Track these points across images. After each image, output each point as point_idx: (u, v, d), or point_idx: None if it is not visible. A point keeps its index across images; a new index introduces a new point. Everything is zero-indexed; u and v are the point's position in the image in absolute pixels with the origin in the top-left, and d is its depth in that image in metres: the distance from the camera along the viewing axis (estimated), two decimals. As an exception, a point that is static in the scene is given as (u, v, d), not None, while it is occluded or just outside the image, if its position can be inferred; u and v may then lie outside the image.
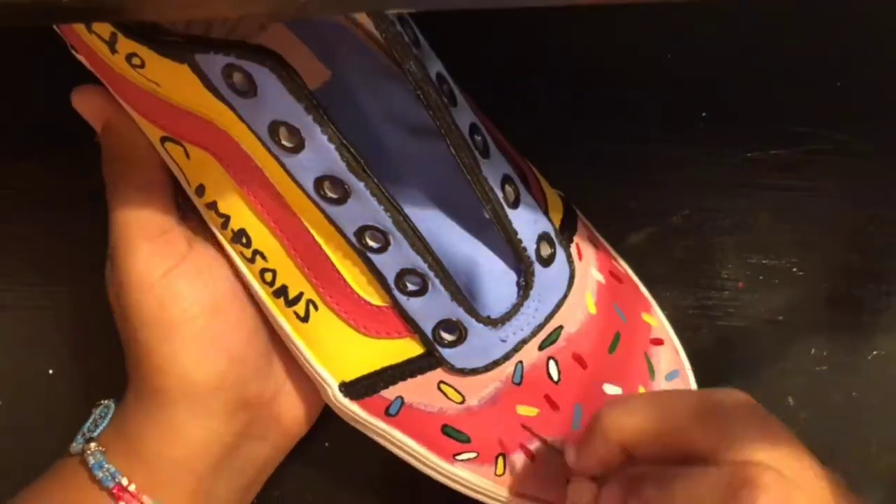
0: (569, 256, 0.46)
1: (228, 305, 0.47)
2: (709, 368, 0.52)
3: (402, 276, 0.43)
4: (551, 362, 0.46)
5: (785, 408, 0.54)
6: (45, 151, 0.55)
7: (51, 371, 0.56)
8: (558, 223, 0.46)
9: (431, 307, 0.44)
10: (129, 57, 0.42)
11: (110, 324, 0.48)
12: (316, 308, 0.45)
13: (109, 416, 0.49)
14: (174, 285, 0.46)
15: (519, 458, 0.47)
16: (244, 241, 0.45)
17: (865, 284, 0.54)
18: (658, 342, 0.49)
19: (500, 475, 0.47)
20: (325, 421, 0.52)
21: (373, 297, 0.44)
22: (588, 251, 0.48)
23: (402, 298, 0.44)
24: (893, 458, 0.54)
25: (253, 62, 0.39)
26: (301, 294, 0.45)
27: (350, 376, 0.46)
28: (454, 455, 0.47)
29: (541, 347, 0.45)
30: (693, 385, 0.49)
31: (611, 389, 0.47)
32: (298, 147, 0.41)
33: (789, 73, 0.54)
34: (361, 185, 0.41)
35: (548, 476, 0.47)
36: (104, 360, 0.53)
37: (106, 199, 0.47)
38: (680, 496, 0.39)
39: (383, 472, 0.54)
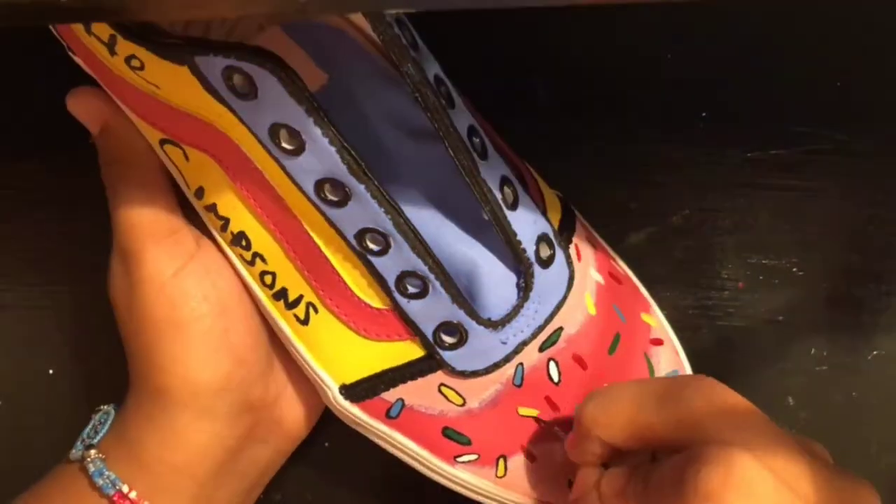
0: (568, 257, 0.46)
1: (235, 305, 0.47)
2: (709, 368, 0.51)
3: (402, 278, 0.43)
4: (552, 364, 0.46)
5: (785, 408, 0.54)
6: (45, 151, 0.55)
7: (51, 371, 0.56)
8: (557, 224, 0.46)
9: (432, 309, 0.44)
10: (128, 59, 0.42)
11: (110, 324, 0.48)
12: (316, 311, 0.45)
13: (109, 421, 0.49)
14: (184, 285, 0.46)
15: (520, 460, 0.47)
16: (244, 243, 0.45)
17: (865, 284, 0.54)
18: (658, 342, 0.49)
19: (501, 477, 0.47)
20: (326, 422, 0.52)
21: (373, 299, 0.44)
22: (587, 252, 0.48)
23: (402, 301, 0.44)
24: (893, 458, 0.54)
25: (253, 64, 0.39)
26: (301, 297, 0.45)
27: (350, 379, 0.46)
28: (455, 457, 0.47)
29: (541, 349, 0.45)
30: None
31: (611, 390, 0.47)
32: (299, 149, 0.41)
33: (789, 73, 0.54)
34: (362, 187, 0.41)
35: (549, 477, 0.47)
36: (104, 360, 0.53)
37: (107, 200, 0.48)
38: (652, 487, 0.40)
39: (384, 474, 0.54)
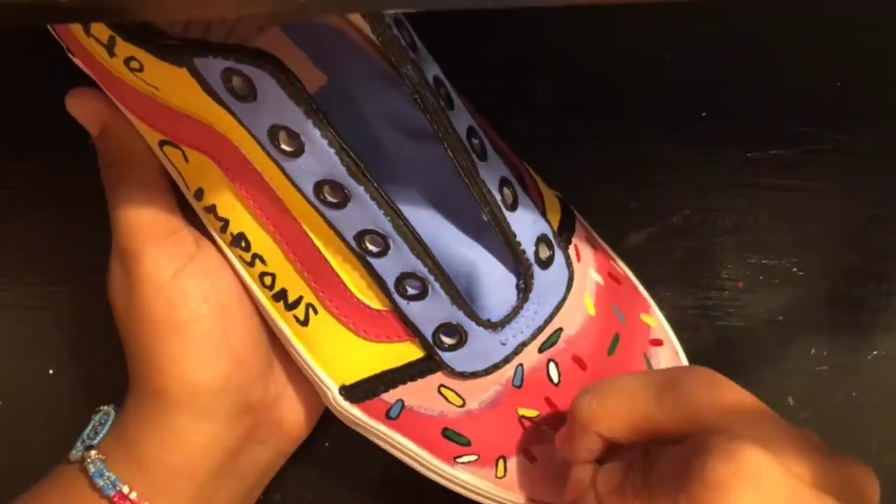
0: (567, 258, 0.46)
1: (235, 306, 0.47)
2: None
3: (402, 279, 0.43)
4: (551, 364, 0.46)
5: (785, 408, 0.54)
6: (45, 151, 0.55)
7: (51, 371, 0.56)
8: (556, 225, 0.46)
9: (431, 311, 0.43)
10: (127, 60, 0.42)
11: (110, 324, 0.48)
12: (315, 312, 0.45)
13: (109, 422, 0.49)
14: (183, 286, 0.46)
15: (520, 461, 0.47)
16: (243, 244, 0.45)
17: (865, 284, 0.54)
18: (657, 343, 0.49)
19: (500, 478, 0.47)
20: (326, 423, 0.52)
21: (372, 300, 0.44)
22: (586, 252, 0.48)
23: (402, 302, 0.44)
24: (893, 458, 0.54)
25: (252, 66, 0.39)
26: (300, 298, 0.45)
27: (350, 380, 0.46)
28: (455, 458, 0.47)
29: (541, 350, 0.45)
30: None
31: (611, 391, 0.47)
32: (298, 151, 0.41)
33: (789, 73, 0.54)
34: (361, 189, 0.41)
35: (549, 478, 0.47)
36: (104, 360, 0.53)
37: (106, 201, 0.48)
38: (654, 479, 0.39)
39: (384, 474, 0.54)
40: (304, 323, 0.46)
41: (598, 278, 0.48)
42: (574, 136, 0.54)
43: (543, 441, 0.47)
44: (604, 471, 0.42)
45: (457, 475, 0.47)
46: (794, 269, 0.54)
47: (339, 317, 0.45)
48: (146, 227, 0.46)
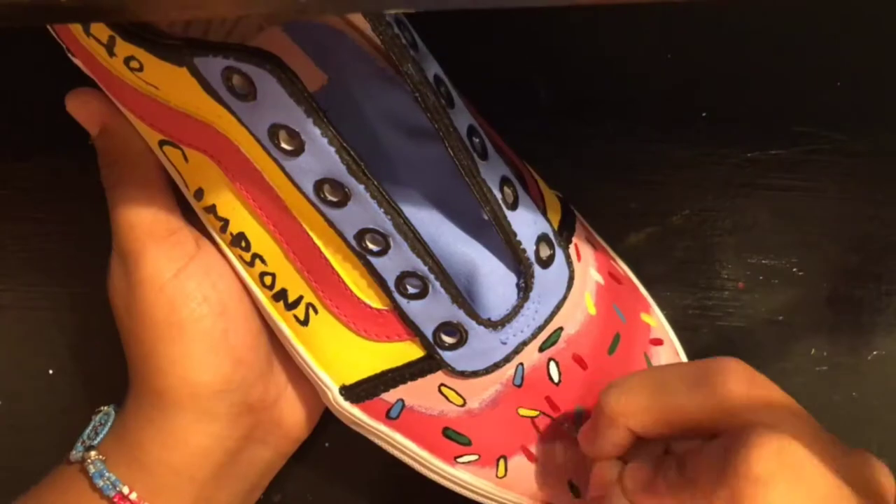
0: (568, 257, 0.46)
1: (235, 306, 0.47)
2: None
3: (402, 278, 0.43)
4: (552, 364, 0.46)
5: (785, 408, 0.54)
6: (45, 151, 0.55)
7: (51, 371, 0.56)
8: (557, 224, 0.46)
9: (432, 310, 0.43)
10: (127, 60, 0.42)
11: (110, 324, 0.49)
12: (316, 312, 0.45)
13: (109, 423, 0.49)
14: (184, 286, 0.46)
15: (520, 461, 0.47)
16: (243, 244, 0.45)
17: (865, 284, 0.54)
18: (658, 342, 0.49)
19: (501, 477, 0.47)
20: (326, 423, 0.52)
21: (373, 300, 0.44)
22: (587, 252, 0.48)
23: (402, 301, 0.44)
24: (893, 458, 0.53)
25: (252, 65, 0.39)
26: (301, 298, 0.45)
27: (350, 380, 0.46)
28: (455, 458, 0.47)
29: (541, 349, 0.45)
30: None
31: (611, 391, 0.47)
32: (298, 150, 0.41)
33: (789, 73, 0.54)
34: (361, 187, 0.41)
35: (549, 478, 0.47)
36: (104, 360, 0.53)
37: (106, 201, 0.48)
38: (689, 473, 0.39)
39: (384, 474, 0.54)
40: (305, 323, 0.46)
41: (598, 278, 0.48)
42: (574, 137, 0.54)
43: (544, 441, 0.47)
44: (632, 468, 0.42)
45: (457, 475, 0.47)
46: (794, 269, 0.54)
47: (339, 316, 0.45)
48: (146, 227, 0.46)
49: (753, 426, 0.38)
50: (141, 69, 0.42)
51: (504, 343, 0.45)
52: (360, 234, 0.42)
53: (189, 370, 0.46)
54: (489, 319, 0.44)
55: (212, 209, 0.45)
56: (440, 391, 0.46)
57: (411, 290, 0.43)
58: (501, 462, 0.47)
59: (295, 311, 0.46)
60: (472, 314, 0.43)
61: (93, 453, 0.47)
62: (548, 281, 0.45)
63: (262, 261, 0.45)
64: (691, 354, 0.50)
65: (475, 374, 0.45)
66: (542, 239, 0.44)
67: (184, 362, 0.46)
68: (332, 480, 0.55)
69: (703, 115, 0.54)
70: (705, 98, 0.54)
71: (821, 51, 0.54)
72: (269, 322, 0.48)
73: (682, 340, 0.50)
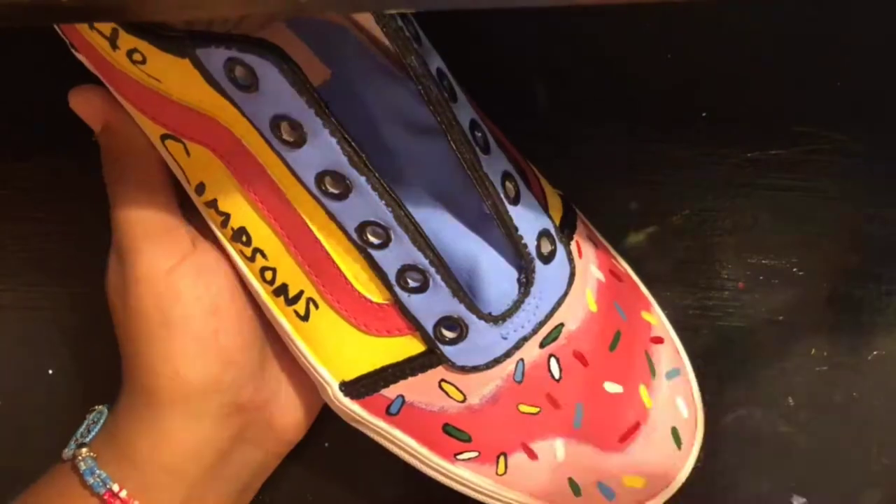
0: (569, 254, 0.46)
1: (227, 307, 0.47)
2: (709, 368, 0.52)
3: (403, 272, 0.43)
4: (552, 360, 0.46)
5: (785, 408, 0.54)
6: (45, 151, 0.56)
7: (51, 371, 0.56)
8: (558, 221, 0.46)
9: (432, 304, 0.43)
10: (129, 53, 0.42)
11: (110, 324, 0.49)
12: (316, 306, 0.45)
13: (102, 421, 0.49)
14: (177, 284, 0.46)
15: (520, 458, 0.47)
16: (244, 239, 0.45)
17: (865, 284, 0.54)
18: (658, 341, 0.49)
19: (501, 475, 0.47)
20: (326, 422, 0.52)
21: (374, 294, 0.44)
22: (588, 249, 0.48)
23: (403, 295, 0.43)
24: (893, 458, 0.53)
25: (255, 55, 0.39)
26: (301, 292, 0.45)
27: (350, 375, 0.46)
28: (455, 454, 0.47)
29: (542, 345, 0.45)
30: (693, 384, 0.49)
31: (612, 388, 0.47)
32: (300, 142, 0.41)
33: (789, 73, 0.54)
34: (363, 179, 0.41)
35: (549, 475, 0.47)
36: (104, 360, 0.52)
37: (108, 199, 0.48)
38: None
39: (384, 474, 0.54)
40: (305, 318, 0.46)
41: (599, 275, 0.48)
42: (574, 136, 0.54)
43: (544, 438, 0.47)
44: None
45: (457, 472, 0.47)
46: (794, 269, 0.54)
47: (339, 311, 0.45)
48: (143, 224, 0.46)
49: None
50: (143, 61, 0.42)
51: (504, 338, 0.44)
52: (362, 227, 0.42)
53: (178, 369, 0.46)
54: (490, 314, 0.44)
55: (213, 204, 0.45)
56: (440, 387, 0.45)
57: (412, 283, 0.43)
58: (501, 459, 0.47)
59: (295, 307, 0.46)
60: (473, 308, 0.43)
61: (84, 451, 0.47)
62: (549, 276, 0.45)
63: (263, 255, 0.45)
64: (691, 354, 0.50)
65: (475, 369, 0.45)
66: (544, 234, 0.44)
67: (173, 360, 0.46)
68: (332, 480, 0.55)
69: (703, 115, 0.54)
70: (705, 98, 0.54)
71: (821, 51, 0.54)
72: (269, 317, 0.47)
73: (682, 340, 0.50)
